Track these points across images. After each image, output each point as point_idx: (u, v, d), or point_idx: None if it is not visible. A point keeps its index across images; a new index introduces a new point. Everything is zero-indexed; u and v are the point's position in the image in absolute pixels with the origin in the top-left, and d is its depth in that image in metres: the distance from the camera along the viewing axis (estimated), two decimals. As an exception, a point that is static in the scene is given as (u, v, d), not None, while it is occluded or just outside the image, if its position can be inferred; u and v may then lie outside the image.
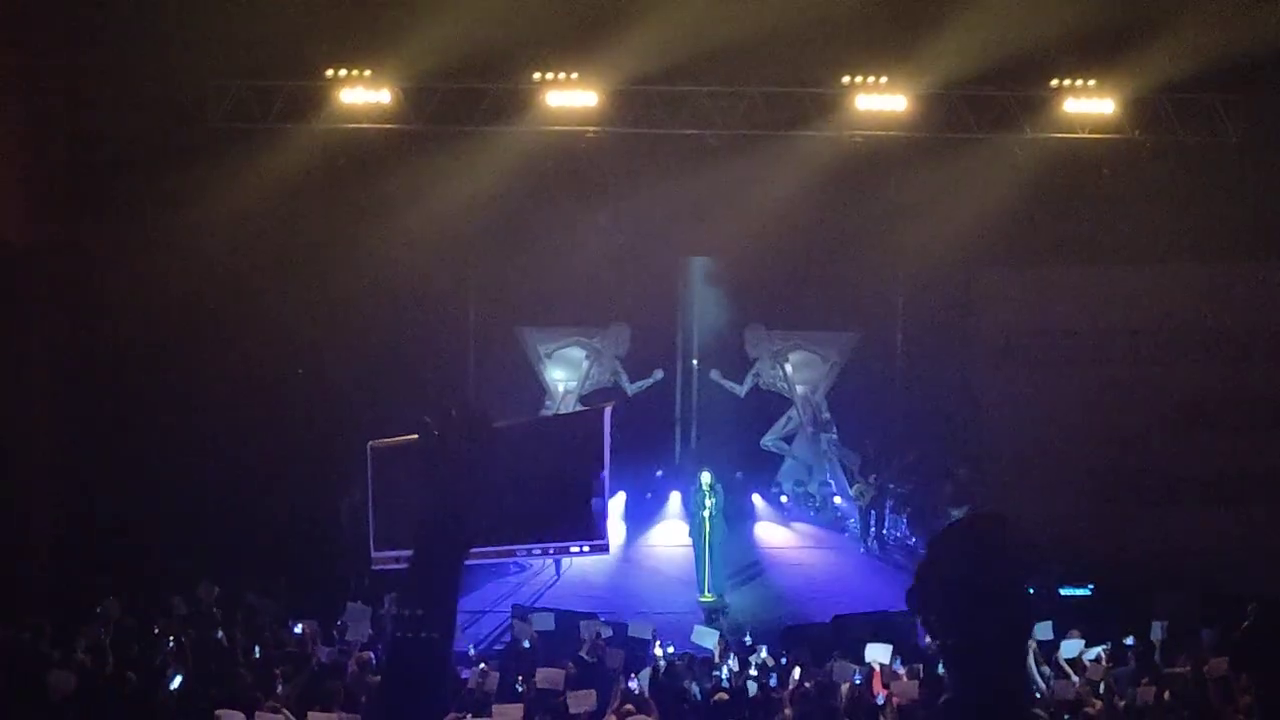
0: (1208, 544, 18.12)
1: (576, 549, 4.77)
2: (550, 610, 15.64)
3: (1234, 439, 19.01)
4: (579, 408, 21.58)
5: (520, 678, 13.18)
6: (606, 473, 4.61)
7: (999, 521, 3.84)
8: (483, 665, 13.29)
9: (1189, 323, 19.21)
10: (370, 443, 5.28)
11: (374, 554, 5.28)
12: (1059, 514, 17.85)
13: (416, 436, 4.43)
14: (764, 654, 15.16)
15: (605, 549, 4.62)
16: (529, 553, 4.88)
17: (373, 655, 12.83)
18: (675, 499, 21.13)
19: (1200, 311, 19.13)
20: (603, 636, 14.37)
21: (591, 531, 4.64)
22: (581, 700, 11.63)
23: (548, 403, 21.93)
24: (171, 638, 13.58)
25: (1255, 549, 17.85)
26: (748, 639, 16.12)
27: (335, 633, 14.32)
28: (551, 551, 4.88)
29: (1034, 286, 19.77)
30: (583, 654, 14.05)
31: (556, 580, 18.63)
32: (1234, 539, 18.15)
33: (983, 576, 3.70)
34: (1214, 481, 18.99)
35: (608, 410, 4.64)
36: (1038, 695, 12.59)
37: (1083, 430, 19.18)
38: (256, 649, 13.99)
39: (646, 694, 12.65)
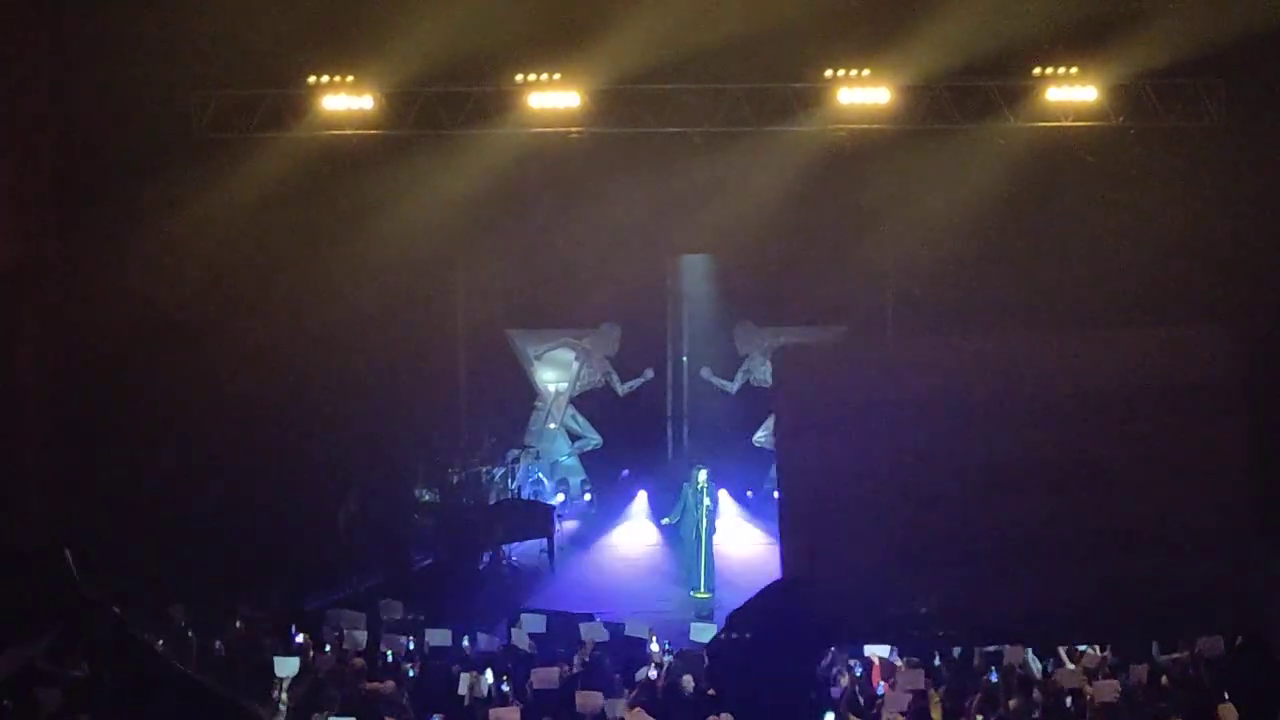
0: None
1: None
2: (542, 612, 15.38)
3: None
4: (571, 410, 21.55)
5: (505, 676, 13.04)
6: None
7: (791, 593, 3.80)
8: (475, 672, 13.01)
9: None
10: None
11: None
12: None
13: None
14: None
15: None
16: None
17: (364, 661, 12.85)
18: (642, 498, 20.78)
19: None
20: (597, 640, 14.21)
21: None
22: (589, 700, 11.62)
23: (538, 404, 21.89)
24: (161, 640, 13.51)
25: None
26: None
27: (329, 642, 14.24)
28: None
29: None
30: (583, 658, 13.93)
31: (553, 579, 18.51)
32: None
33: (773, 649, 3.66)
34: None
35: None
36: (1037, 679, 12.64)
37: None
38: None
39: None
